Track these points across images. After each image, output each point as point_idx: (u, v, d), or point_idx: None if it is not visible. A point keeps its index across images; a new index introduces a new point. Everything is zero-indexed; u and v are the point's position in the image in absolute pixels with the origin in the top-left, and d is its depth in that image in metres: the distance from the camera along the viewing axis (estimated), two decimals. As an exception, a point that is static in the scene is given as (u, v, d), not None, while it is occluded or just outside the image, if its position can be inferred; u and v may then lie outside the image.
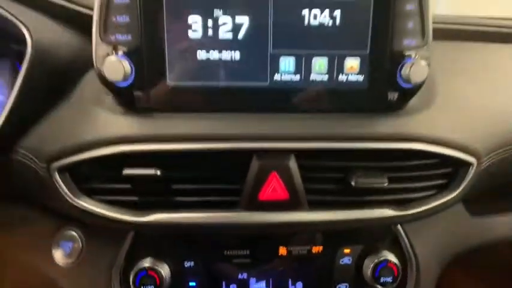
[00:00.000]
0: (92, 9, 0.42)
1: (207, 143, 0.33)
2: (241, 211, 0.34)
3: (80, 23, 0.43)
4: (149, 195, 0.34)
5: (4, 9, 0.37)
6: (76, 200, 0.34)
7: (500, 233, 0.47)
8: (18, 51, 0.53)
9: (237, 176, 0.34)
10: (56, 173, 0.34)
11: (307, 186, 0.35)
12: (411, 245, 0.41)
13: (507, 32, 0.55)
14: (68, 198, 0.34)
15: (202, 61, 0.36)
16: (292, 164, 0.34)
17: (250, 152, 0.34)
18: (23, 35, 0.37)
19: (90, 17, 0.38)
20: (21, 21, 0.37)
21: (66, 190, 0.34)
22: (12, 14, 0.37)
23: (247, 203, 0.34)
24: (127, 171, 0.32)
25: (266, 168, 0.34)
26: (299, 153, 0.34)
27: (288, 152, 0.34)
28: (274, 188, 0.34)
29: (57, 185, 0.34)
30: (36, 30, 0.38)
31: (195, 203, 0.34)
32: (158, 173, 0.32)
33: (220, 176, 0.35)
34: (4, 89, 0.54)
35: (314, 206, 0.35)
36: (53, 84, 0.40)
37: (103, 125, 0.34)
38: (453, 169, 0.38)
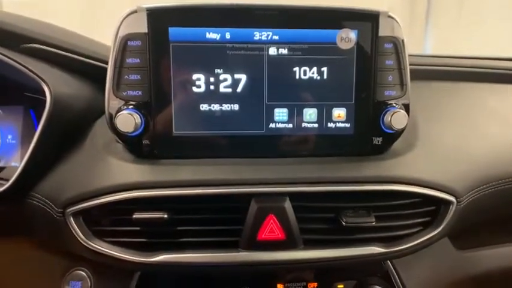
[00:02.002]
0: (104, 62, 0.47)
1: (209, 188, 0.37)
2: (241, 251, 0.37)
3: (92, 74, 0.48)
4: (156, 236, 0.37)
5: (26, 67, 0.42)
6: (89, 242, 0.37)
7: (486, 267, 0.49)
8: (31, 98, 0.57)
9: (237, 218, 0.37)
10: (71, 217, 0.37)
11: (301, 226, 0.38)
12: (400, 279, 0.44)
13: (482, 72, 0.60)
14: (81, 241, 0.37)
15: (204, 112, 0.40)
16: (288, 206, 0.38)
17: (249, 196, 0.37)
18: (42, 88, 0.41)
19: (102, 69, 0.42)
20: (42, 78, 0.41)
21: (80, 233, 0.37)
22: (33, 72, 0.42)
23: (247, 243, 0.37)
24: (137, 216, 0.36)
25: (264, 210, 0.37)
26: (293, 196, 0.38)
27: (283, 194, 0.38)
28: (271, 229, 0.37)
29: (72, 229, 0.37)
30: (55, 84, 0.42)
31: (199, 243, 0.37)
32: (165, 216, 0.36)
33: (221, 218, 0.38)
34: (17, 134, 0.57)
35: (309, 244, 0.38)
36: (67, 132, 0.43)
37: (115, 173, 0.38)
38: (435, 207, 0.41)
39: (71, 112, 0.43)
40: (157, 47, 0.38)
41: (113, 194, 0.36)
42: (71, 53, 0.46)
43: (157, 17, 0.38)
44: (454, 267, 0.48)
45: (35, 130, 0.57)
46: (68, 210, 0.37)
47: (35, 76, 0.41)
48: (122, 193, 0.36)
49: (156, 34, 0.38)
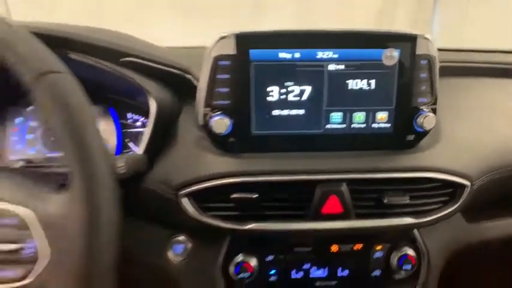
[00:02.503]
0: (187, 72, 0.57)
1: (285, 176, 0.49)
2: (309, 221, 0.49)
3: (170, 81, 0.58)
4: (247, 211, 0.49)
5: (133, 78, 0.52)
6: (198, 216, 0.49)
7: (489, 236, 0.62)
8: (112, 98, 0.67)
9: (306, 197, 0.49)
10: (184, 198, 0.49)
11: (354, 203, 0.50)
12: (424, 243, 0.57)
13: (493, 68, 0.70)
14: (191, 215, 0.49)
15: (276, 116, 0.51)
16: (344, 189, 0.49)
17: (315, 182, 0.49)
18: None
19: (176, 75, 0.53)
20: (145, 88, 0.52)
21: (191, 209, 0.49)
22: (137, 82, 0.52)
23: (314, 215, 0.49)
24: (234, 196, 0.47)
25: (327, 193, 0.49)
26: (349, 182, 0.50)
27: (341, 181, 0.49)
28: (332, 205, 0.49)
29: (184, 206, 0.49)
30: (154, 91, 0.53)
31: (277, 215, 0.50)
32: (254, 196, 0.47)
33: (294, 198, 0.50)
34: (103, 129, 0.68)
35: (359, 216, 0.51)
36: (165, 130, 0.54)
37: (214, 163, 0.49)
38: (453, 189, 0.53)
39: (166, 114, 0.54)
40: (241, 65, 0.48)
41: (217, 180, 0.48)
42: (157, 64, 0.56)
43: (242, 41, 0.48)
44: (464, 235, 0.61)
45: (116, 126, 0.69)
46: (181, 192, 0.49)
47: (139, 86, 0.52)
48: (223, 179, 0.48)
49: (240, 55, 0.48)
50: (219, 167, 0.49)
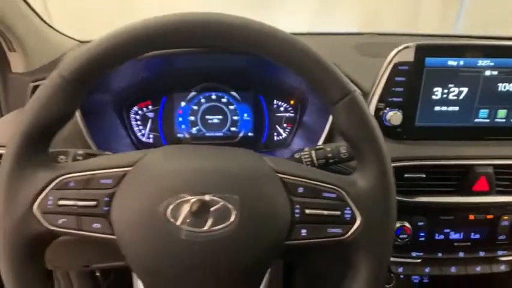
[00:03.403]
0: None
1: (447, 161, 0.61)
2: (462, 196, 0.63)
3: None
4: (416, 186, 0.62)
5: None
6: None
7: None
8: (262, 85, 0.79)
9: (461, 177, 0.62)
10: None
11: (496, 183, 0.63)
12: None
13: None
14: None
15: (437, 111, 0.63)
16: (491, 171, 0.62)
17: (470, 165, 0.62)
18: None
19: None
20: None
21: None
22: None
23: (466, 192, 0.62)
24: (407, 175, 0.60)
25: (478, 174, 0.62)
26: (495, 166, 0.62)
27: (490, 165, 0.62)
28: (481, 184, 0.62)
29: None
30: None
31: (438, 191, 0.63)
32: (423, 175, 0.60)
33: (451, 177, 0.63)
34: (250, 113, 0.80)
35: (498, 193, 0.64)
36: None
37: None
38: None
39: None
40: (417, 70, 0.60)
41: (394, 163, 0.60)
42: None
43: (420, 51, 0.59)
44: None
45: (264, 110, 0.80)
46: None
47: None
48: (399, 162, 0.60)
49: (417, 62, 0.59)
50: (393, 152, 0.61)
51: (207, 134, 0.81)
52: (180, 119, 0.80)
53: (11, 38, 0.63)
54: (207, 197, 0.36)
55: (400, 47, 0.59)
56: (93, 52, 0.36)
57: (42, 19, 0.78)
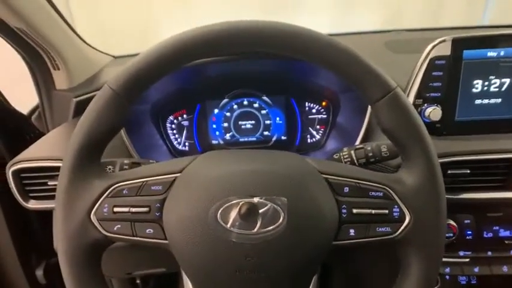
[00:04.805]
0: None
1: (491, 155, 0.59)
2: (509, 191, 0.60)
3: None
4: (458, 183, 0.60)
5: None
6: None
7: None
8: (297, 89, 0.79)
9: (508, 172, 0.60)
10: None
11: None
12: None
13: None
14: None
15: (477, 105, 0.61)
16: None
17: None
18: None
19: None
20: None
21: None
22: None
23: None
24: (449, 172, 0.59)
25: None
26: None
27: None
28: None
29: None
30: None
31: (484, 187, 0.61)
32: (468, 171, 0.58)
33: (495, 172, 0.60)
34: (283, 116, 0.81)
35: None
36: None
37: None
38: None
39: None
40: (455, 64, 0.58)
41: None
42: None
43: (457, 44, 0.57)
44: None
45: (296, 113, 0.80)
46: None
47: None
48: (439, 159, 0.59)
49: (455, 55, 0.58)
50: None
51: (241, 140, 0.82)
52: (214, 126, 0.82)
53: (56, 56, 0.67)
54: (255, 200, 0.37)
55: (436, 41, 0.58)
56: (141, 65, 0.37)
57: (80, 37, 0.82)
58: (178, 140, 0.82)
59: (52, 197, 0.60)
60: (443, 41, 0.57)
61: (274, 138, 0.82)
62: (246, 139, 0.82)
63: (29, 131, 0.86)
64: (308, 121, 0.81)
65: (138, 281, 1.11)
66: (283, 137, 0.82)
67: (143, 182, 0.40)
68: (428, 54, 0.58)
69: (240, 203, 0.36)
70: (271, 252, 0.36)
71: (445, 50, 0.58)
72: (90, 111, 0.38)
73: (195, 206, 0.37)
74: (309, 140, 0.82)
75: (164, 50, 0.36)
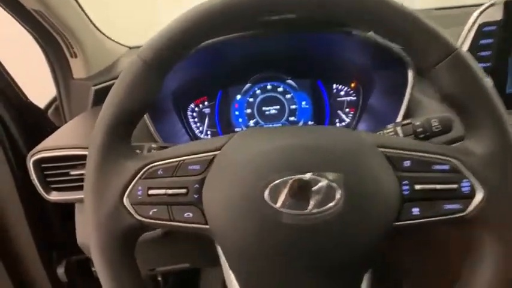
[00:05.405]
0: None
1: None
2: None
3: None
4: None
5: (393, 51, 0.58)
6: None
7: None
8: (323, 71, 0.75)
9: None
10: None
11: None
12: None
13: None
14: None
15: (531, 75, 0.56)
16: None
17: None
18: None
19: None
20: (407, 61, 0.58)
21: None
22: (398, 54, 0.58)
23: None
24: None
25: None
26: None
27: None
28: None
29: None
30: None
31: None
32: None
33: None
34: (309, 100, 0.77)
35: None
36: None
37: None
38: None
39: None
40: (506, 30, 0.53)
41: None
42: None
43: (510, 7, 0.52)
44: None
45: (323, 96, 0.76)
46: None
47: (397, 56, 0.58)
48: None
49: (506, 20, 0.53)
50: None
51: (265, 126, 0.78)
52: (237, 112, 0.78)
53: (73, 42, 0.64)
54: (307, 176, 0.32)
55: (484, 6, 0.53)
56: (172, 33, 0.34)
57: (96, 26, 0.79)
58: (200, 128, 0.79)
59: (74, 188, 0.57)
60: (493, 4, 0.52)
61: (300, 124, 0.78)
62: (270, 125, 0.78)
63: (46, 126, 0.84)
64: (336, 104, 0.77)
65: (159, 278, 1.09)
66: (310, 122, 0.77)
67: (179, 161, 0.36)
68: (475, 20, 0.53)
69: (291, 180, 0.32)
70: (327, 235, 0.32)
71: (496, 15, 0.53)
72: (120, 85, 0.35)
73: (238, 186, 0.33)
74: (338, 125, 0.77)
75: (213, 9, 0.33)
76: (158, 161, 0.36)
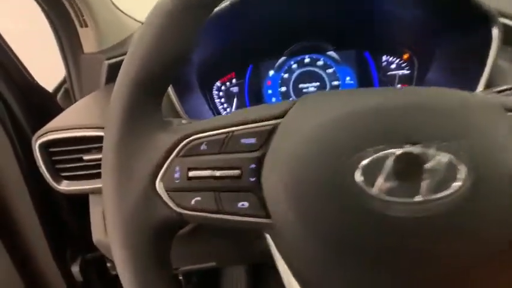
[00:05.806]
0: None
1: None
2: None
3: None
4: None
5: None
6: None
7: None
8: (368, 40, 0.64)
9: None
10: None
11: None
12: None
13: None
14: None
15: None
16: None
17: None
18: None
19: None
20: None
21: None
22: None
23: None
24: None
25: None
26: None
27: None
28: None
29: None
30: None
31: None
32: None
33: None
34: (354, 75, 0.66)
35: None
36: None
37: None
38: None
39: None
40: None
41: None
42: None
43: None
44: None
45: (371, 70, 0.66)
46: None
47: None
48: None
49: None
50: None
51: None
52: (270, 91, 0.68)
53: (83, 8, 0.55)
54: (416, 149, 0.23)
55: None
56: None
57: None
58: (228, 110, 0.69)
59: (89, 176, 0.48)
60: None
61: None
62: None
63: (54, 110, 0.76)
64: (387, 79, 0.66)
65: (180, 277, 1.01)
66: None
67: (228, 132, 0.26)
68: None
69: (393, 155, 0.22)
70: (451, 233, 0.22)
71: None
72: (146, 32, 0.26)
73: (316, 164, 0.24)
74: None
75: None
76: (201, 133, 0.26)
